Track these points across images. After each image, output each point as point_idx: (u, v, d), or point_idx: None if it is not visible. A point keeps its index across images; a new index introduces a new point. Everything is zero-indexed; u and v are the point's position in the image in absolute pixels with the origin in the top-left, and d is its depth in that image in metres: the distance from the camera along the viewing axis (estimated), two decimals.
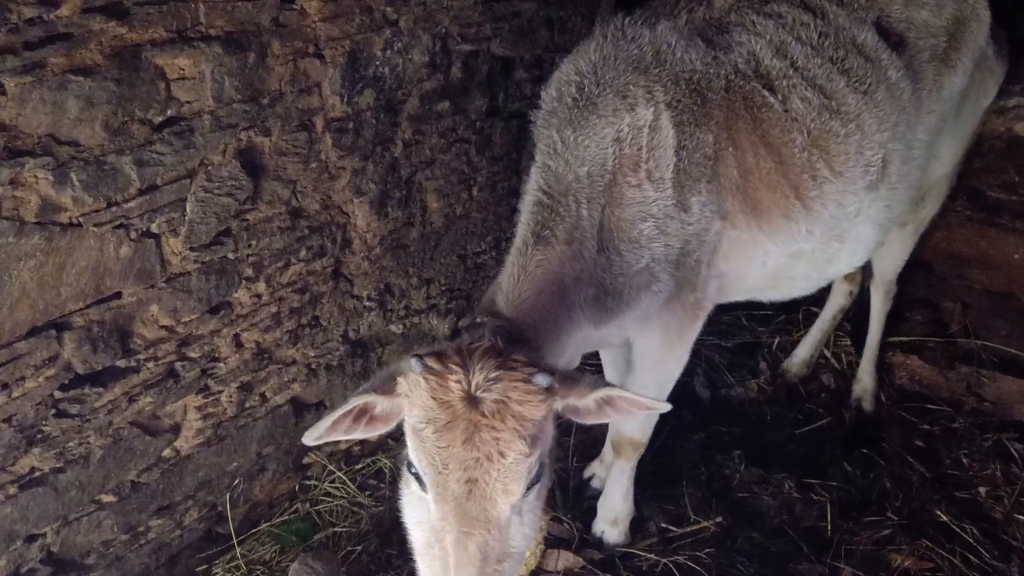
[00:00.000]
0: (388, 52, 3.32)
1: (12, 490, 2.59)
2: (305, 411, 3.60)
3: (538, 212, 2.57)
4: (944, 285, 4.60)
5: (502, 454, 1.93)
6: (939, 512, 3.64)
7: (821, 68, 2.88)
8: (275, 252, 3.17)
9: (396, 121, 3.47)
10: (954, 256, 4.48)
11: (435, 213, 3.85)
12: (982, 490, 3.79)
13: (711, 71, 2.78)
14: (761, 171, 2.80)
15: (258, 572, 3.36)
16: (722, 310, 3.70)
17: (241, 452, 3.37)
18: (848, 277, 4.27)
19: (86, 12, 2.31)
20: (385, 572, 3.38)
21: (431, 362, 1.99)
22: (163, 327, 2.87)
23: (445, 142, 3.75)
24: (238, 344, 3.18)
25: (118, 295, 2.69)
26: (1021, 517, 3.64)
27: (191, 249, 2.85)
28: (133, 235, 2.65)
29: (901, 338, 4.56)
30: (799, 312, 4.86)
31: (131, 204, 2.60)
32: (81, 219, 2.48)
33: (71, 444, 2.71)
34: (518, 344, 2.17)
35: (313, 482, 3.79)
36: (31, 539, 2.71)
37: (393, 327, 3.90)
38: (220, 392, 3.18)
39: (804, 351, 4.56)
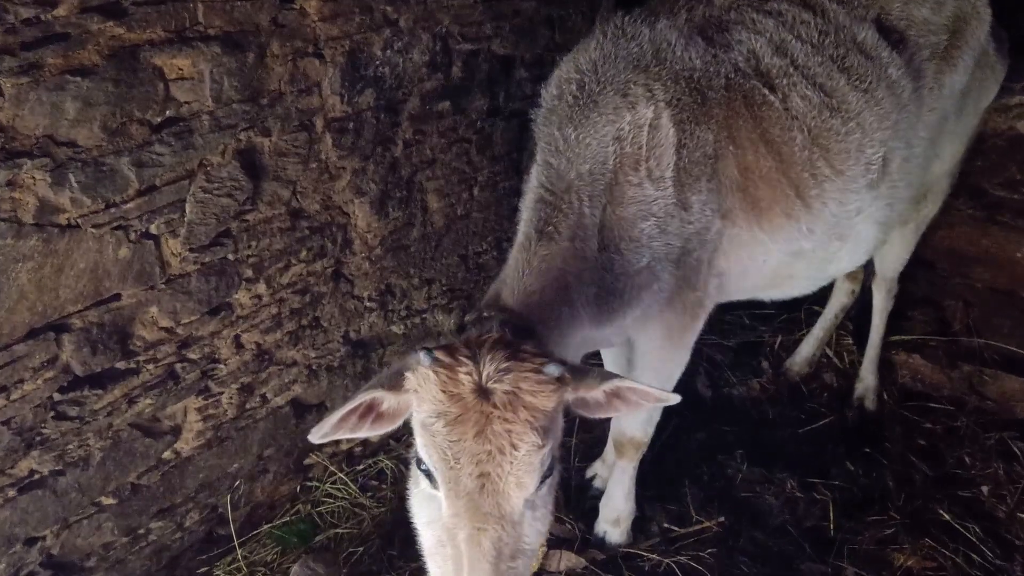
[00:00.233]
0: (388, 52, 3.31)
1: (11, 493, 2.59)
2: (306, 412, 3.59)
3: (541, 209, 2.56)
4: (946, 283, 4.59)
5: (514, 446, 1.90)
6: (942, 511, 3.63)
7: (821, 66, 2.87)
8: (275, 253, 3.16)
9: (396, 121, 3.46)
10: (956, 254, 4.47)
11: (436, 213, 3.84)
12: (984, 489, 3.78)
13: (711, 69, 2.77)
14: (761, 169, 2.79)
15: (259, 574, 3.36)
16: (724, 309, 3.70)
17: (242, 454, 3.36)
18: (850, 276, 4.27)
19: (83, 12, 2.30)
20: (387, 573, 3.38)
21: (440, 355, 1.97)
22: (163, 329, 2.86)
23: (446, 142, 3.74)
24: (238, 345, 3.17)
25: (117, 297, 2.68)
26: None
27: (190, 250, 2.84)
28: (132, 236, 2.64)
29: (903, 337, 4.55)
30: (801, 311, 4.85)
31: (130, 205, 2.59)
32: (79, 220, 2.47)
33: (70, 446, 2.71)
34: (526, 337, 2.16)
35: (314, 483, 3.78)
36: (31, 542, 2.70)
37: (394, 328, 3.89)
38: (220, 394, 3.17)
39: (806, 350, 4.55)
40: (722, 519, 3.60)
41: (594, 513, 3.61)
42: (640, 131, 2.63)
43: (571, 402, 2.11)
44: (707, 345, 4.64)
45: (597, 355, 3.69)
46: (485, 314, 2.33)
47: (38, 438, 2.60)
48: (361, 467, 3.93)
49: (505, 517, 1.92)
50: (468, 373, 1.94)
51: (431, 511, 2.03)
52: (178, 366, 2.97)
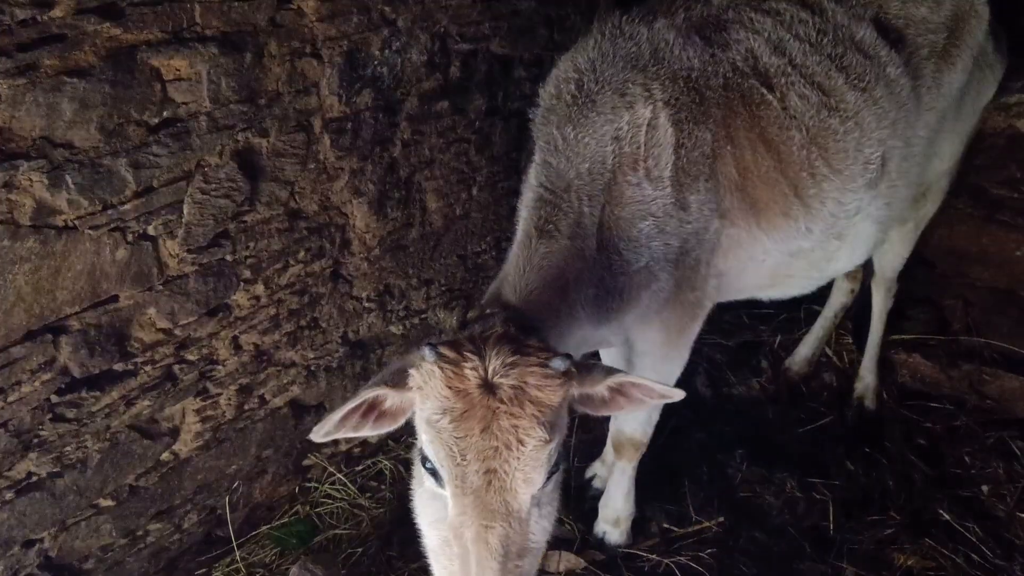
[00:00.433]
0: (386, 52, 3.30)
1: (9, 496, 2.58)
2: (305, 413, 3.58)
3: (540, 207, 2.56)
4: (946, 283, 4.59)
5: (521, 442, 1.88)
6: (942, 511, 3.63)
7: (819, 65, 2.86)
8: (273, 254, 3.15)
9: (395, 121, 3.46)
10: (956, 253, 4.47)
11: (434, 213, 3.83)
12: (984, 488, 3.78)
13: (709, 69, 2.77)
14: (759, 169, 2.79)
15: (258, 575, 3.35)
16: (723, 309, 3.69)
17: (240, 455, 3.36)
18: (849, 275, 4.26)
19: (80, 13, 2.30)
20: (386, 574, 3.37)
21: (445, 350, 1.96)
22: (160, 330, 2.85)
23: (444, 142, 3.74)
24: (236, 346, 3.16)
25: (115, 298, 2.68)
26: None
27: (188, 251, 2.83)
28: (129, 238, 2.63)
29: (903, 336, 4.55)
30: (800, 310, 4.85)
31: (127, 207, 2.59)
32: (76, 222, 2.47)
33: (68, 448, 2.70)
34: (529, 333, 2.15)
35: (313, 484, 3.78)
36: (28, 544, 2.70)
37: (393, 328, 3.89)
38: (219, 395, 3.16)
39: (806, 349, 4.54)
40: (722, 519, 3.60)
41: (593, 514, 3.60)
42: (638, 131, 2.63)
43: (576, 398, 2.09)
44: (707, 345, 4.63)
45: (595, 356, 3.69)
46: (488, 311, 2.32)
47: (36, 440, 2.60)
48: (360, 468, 3.93)
49: (512, 514, 1.90)
50: (474, 368, 1.92)
51: (436, 510, 2.01)
52: (176, 367, 2.96)
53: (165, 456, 3.05)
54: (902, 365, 4.46)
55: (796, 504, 3.73)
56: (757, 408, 4.36)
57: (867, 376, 4.32)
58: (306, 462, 3.74)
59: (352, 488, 3.78)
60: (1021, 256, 4.25)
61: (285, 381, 3.44)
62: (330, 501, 3.73)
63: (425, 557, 2.16)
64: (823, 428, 4.22)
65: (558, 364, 1.95)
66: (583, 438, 4.05)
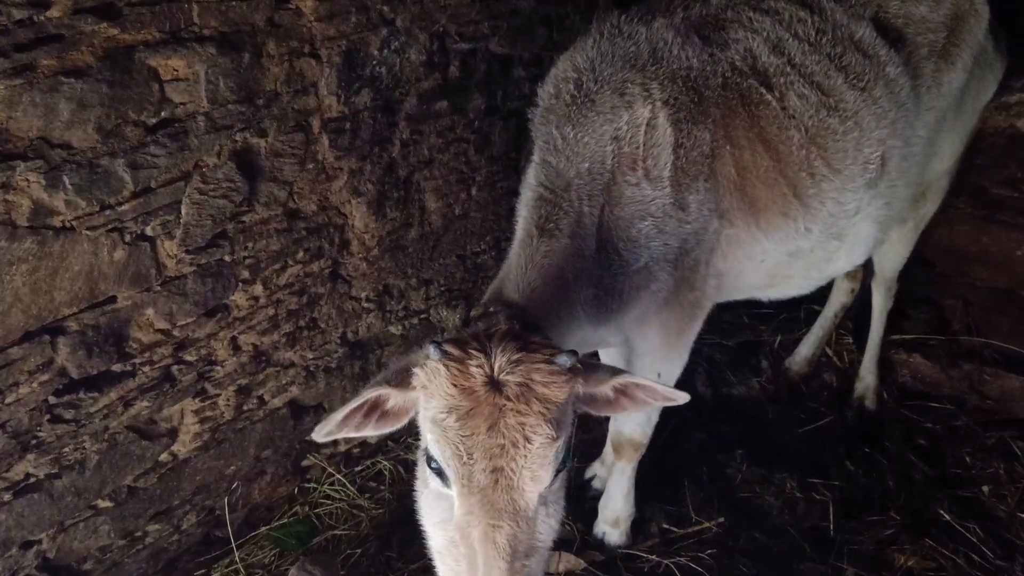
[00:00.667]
0: (385, 51, 3.30)
1: (7, 497, 2.58)
2: (304, 414, 3.58)
3: (540, 207, 2.55)
4: (946, 282, 4.58)
5: (528, 439, 1.87)
6: (942, 511, 3.62)
7: (818, 65, 2.86)
8: (272, 254, 3.15)
9: (394, 121, 3.45)
10: (956, 253, 4.46)
11: (434, 213, 3.83)
12: (985, 489, 3.77)
13: (708, 68, 2.76)
14: (758, 169, 2.78)
15: None
16: (723, 309, 3.68)
17: (239, 455, 3.36)
18: (849, 275, 4.26)
19: (77, 13, 2.30)
20: (385, 575, 3.36)
21: (450, 348, 1.95)
22: (159, 331, 2.85)
23: (443, 141, 3.73)
24: (235, 347, 3.16)
25: (113, 299, 2.67)
26: None
27: (186, 252, 2.83)
28: (127, 238, 2.63)
29: (903, 336, 4.54)
30: (801, 310, 4.84)
31: (125, 207, 2.58)
32: (74, 223, 2.47)
33: (66, 450, 2.70)
34: (532, 330, 2.14)
35: (313, 485, 3.77)
36: (26, 546, 2.69)
37: (392, 328, 3.88)
38: (217, 395, 3.16)
39: (806, 349, 4.54)
40: (721, 520, 3.59)
41: (593, 514, 3.60)
42: (637, 130, 2.62)
43: (580, 396, 2.08)
44: (706, 345, 4.63)
45: (594, 356, 3.68)
46: (491, 308, 2.31)
47: (33, 441, 2.59)
48: (359, 468, 3.92)
49: (520, 513, 1.88)
50: (479, 366, 1.91)
51: (442, 510, 1.99)
52: (174, 368, 2.96)
53: (164, 457, 3.05)
54: (902, 365, 4.45)
55: (796, 504, 3.72)
56: (757, 408, 4.36)
57: (867, 376, 4.32)
58: (305, 463, 3.74)
59: (351, 489, 3.77)
60: (1022, 256, 4.24)
61: (284, 382, 3.43)
62: (329, 502, 3.72)
63: (427, 558, 2.14)
64: (823, 428, 4.21)
65: (564, 360, 1.94)
66: (582, 438, 4.05)
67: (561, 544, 3.47)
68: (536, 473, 1.89)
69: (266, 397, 3.38)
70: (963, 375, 4.28)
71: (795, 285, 3.23)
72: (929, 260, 4.52)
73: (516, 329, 2.06)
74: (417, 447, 2.17)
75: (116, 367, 2.75)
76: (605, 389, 2.09)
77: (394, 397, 2.04)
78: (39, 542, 2.73)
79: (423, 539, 2.14)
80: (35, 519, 2.68)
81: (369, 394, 2.00)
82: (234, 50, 2.75)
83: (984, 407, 4.20)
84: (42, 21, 2.23)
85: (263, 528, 3.55)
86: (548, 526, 2.00)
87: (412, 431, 4.14)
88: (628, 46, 2.73)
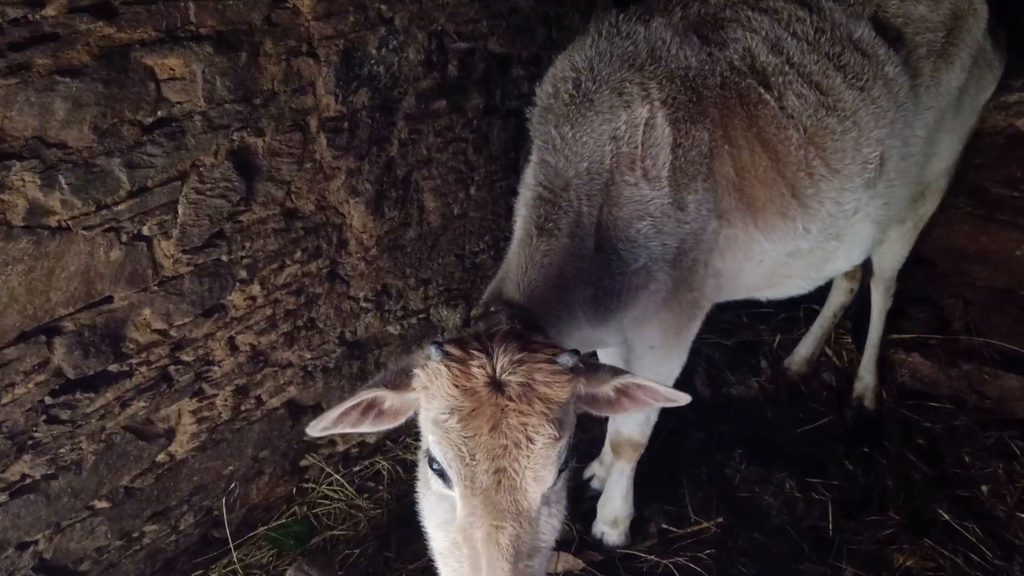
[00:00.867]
0: (383, 50, 3.29)
1: (3, 498, 2.57)
2: (302, 414, 3.57)
3: (540, 206, 2.54)
4: (946, 282, 4.57)
5: (531, 440, 1.86)
6: (941, 511, 3.62)
7: (817, 64, 2.85)
8: (269, 254, 3.14)
9: (392, 120, 3.44)
10: (955, 253, 4.46)
11: (432, 213, 3.82)
12: (984, 488, 3.77)
13: (706, 68, 2.76)
14: (757, 169, 2.77)
15: None
16: (722, 308, 3.68)
17: (237, 456, 3.35)
18: (848, 274, 4.25)
19: (72, 12, 2.29)
20: (383, 575, 3.35)
21: (451, 349, 1.94)
22: (156, 331, 2.84)
23: (442, 141, 3.72)
24: (233, 347, 3.15)
25: (109, 299, 2.66)
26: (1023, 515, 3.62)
27: (183, 252, 2.82)
28: (124, 238, 2.62)
29: (902, 335, 4.54)
30: (800, 310, 4.84)
31: (121, 207, 2.58)
32: (70, 222, 2.46)
33: (63, 450, 2.69)
34: (534, 329, 2.13)
35: (311, 485, 3.77)
36: (23, 546, 2.69)
37: (390, 328, 3.87)
38: (215, 396, 3.15)
39: (805, 349, 4.53)
40: (720, 520, 3.59)
41: (592, 514, 3.59)
42: (636, 130, 2.61)
43: (582, 396, 2.07)
44: (706, 344, 4.62)
45: (593, 356, 3.67)
46: (492, 308, 2.30)
47: (30, 442, 2.58)
48: (358, 468, 3.92)
49: (523, 513, 1.87)
50: (481, 366, 1.90)
51: (444, 512, 1.98)
52: (172, 368, 2.95)
53: (161, 457, 3.04)
54: (901, 365, 4.45)
55: (795, 504, 3.71)
56: (756, 408, 4.35)
57: (866, 376, 4.31)
58: (303, 463, 3.73)
59: (350, 489, 3.77)
60: (1021, 255, 4.24)
61: (282, 382, 3.42)
62: (327, 502, 3.72)
63: (425, 558, 2.14)
64: (822, 428, 4.21)
65: (566, 360, 1.93)
66: (581, 438, 4.04)
67: (559, 544, 3.45)
68: (539, 473, 1.88)
69: (264, 397, 3.37)
70: (962, 375, 4.28)
71: (794, 285, 3.23)
72: (928, 260, 4.52)
73: (518, 329, 2.05)
74: (417, 447, 2.16)
75: (113, 367, 2.74)
76: (606, 389, 2.08)
77: (390, 399, 2.04)
78: (35, 543, 2.72)
79: (422, 539, 2.13)
80: (31, 520, 2.67)
81: (364, 395, 2.00)
82: (231, 49, 2.74)
83: (983, 407, 4.20)
84: (37, 20, 2.23)
85: (261, 528, 3.54)
86: (551, 526, 1.99)
87: (411, 431, 4.13)
88: (626, 45, 2.72)
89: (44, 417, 2.59)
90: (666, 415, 3.54)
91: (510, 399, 1.87)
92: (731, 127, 2.74)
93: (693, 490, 3.75)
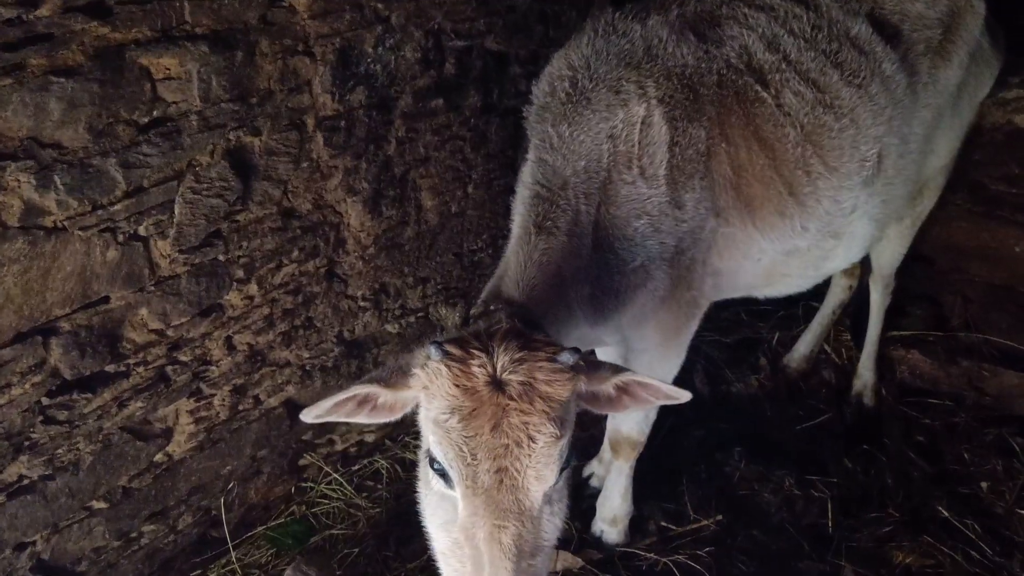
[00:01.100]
0: (380, 49, 3.28)
1: (0, 499, 2.57)
2: (300, 413, 3.55)
3: (537, 205, 2.54)
4: (944, 279, 4.57)
5: (532, 439, 1.86)
6: (941, 508, 3.61)
7: (814, 62, 2.84)
8: (267, 253, 3.13)
9: (389, 119, 3.43)
10: (954, 249, 4.45)
11: (430, 211, 3.81)
12: (983, 485, 3.77)
13: (703, 66, 2.75)
14: (754, 167, 2.77)
15: None
16: (721, 306, 3.68)
17: (235, 455, 3.34)
18: (847, 272, 4.25)
19: (67, 12, 2.28)
20: (382, 574, 3.35)
21: (451, 348, 1.93)
22: (153, 331, 2.83)
23: (439, 139, 3.71)
24: (230, 347, 3.15)
25: (106, 299, 2.66)
26: (1023, 512, 3.61)
27: (180, 251, 2.82)
28: (120, 238, 2.62)
29: (902, 332, 4.53)
30: (799, 307, 4.82)
31: (117, 207, 2.57)
32: (66, 223, 2.45)
33: (60, 451, 2.69)
34: (534, 328, 2.13)
35: (309, 484, 3.76)
36: (20, 547, 2.69)
37: (389, 327, 3.87)
38: (212, 395, 3.15)
39: (804, 346, 4.53)
40: (720, 517, 3.59)
41: (591, 512, 3.59)
42: (633, 129, 2.61)
43: (583, 394, 2.07)
44: (705, 342, 4.62)
45: (591, 354, 3.67)
46: (491, 307, 2.30)
47: (27, 443, 2.58)
48: (356, 467, 3.91)
49: (525, 513, 1.87)
50: (481, 365, 1.90)
51: (446, 512, 1.98)
52: (169, 368, 2.94)
53: (159, 457, 3.04)
54: (901, 362, 4.44)
55: (795, 502, 3.71)
56: (755, 405, 4.35)
57: (865, 373, 4.31)
58: (302, 462, 3.73)
59: (348, 488, 3.76)
60: (1020, 252, 4.23)
61: (280, 381, 3.42)
62: (326, 501, 3.71)
63: (424, 557, 2.14)
64: (822, 425, 4.20)
65: (566, 358, 1.93)
66: (580, 436, 4.03)
67: (559, 542, 3.46)
68: (541, 472, 1.88)
69: (262, 397, 3.36)
70: (961, 372, 4.27)
71: (792, 283, 3.22)
72: (927, 257, 4.51)
73: (518, 327, 2.05)
74: (415, 446, 2.16)
75: (110, 368, 2.74)
76: (607, 387, 2.09)
77: (384, 396, 2.04)
78: (33, 544, 2.72)
79: (421, 538, 2.14)
80: (29, 520, 2.67)
81: (359, 390, 2.01)
82: (227, 48, 2.73)
83: (982, 403, 4.19)
84: (31, 20, 2.22)
85: (260, 528, 3.54)
86: (553, 524, 1.99)
87: (410, 430, 4.13)
88: (623, 43, 2.72)
89: (41, 418, 2.59)
90: (665, 413, 3.54)
91: (511, 398, 1.87)
92: (728, 125, 2.73)
93: (692, 488, 3.74)
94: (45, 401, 2.58)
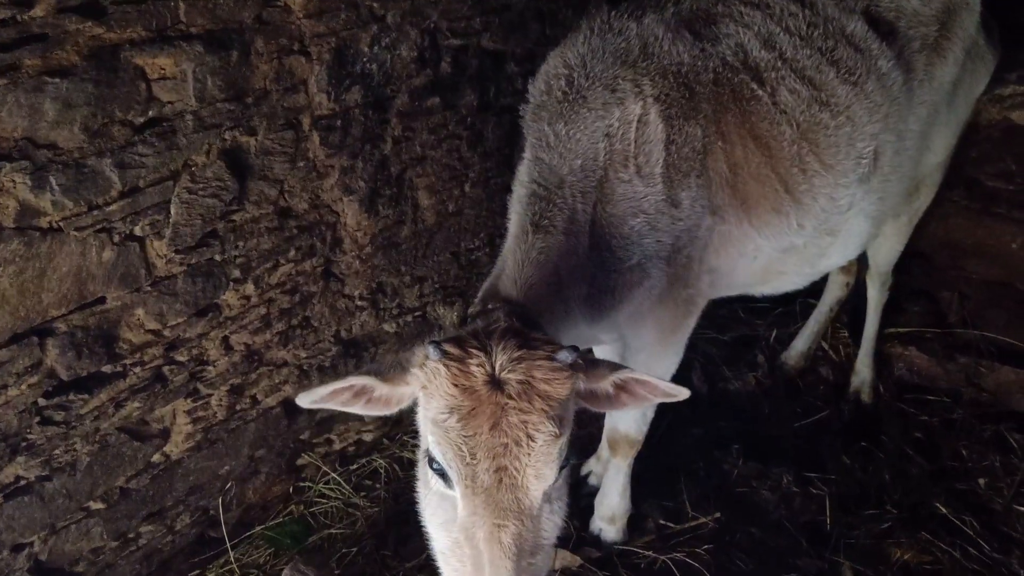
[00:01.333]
0: (375, 48, 3.27)
1: None
2: (298, 413, 3.57)
3: (535, 203, 2.54)
4: (942, 275, 4.57)
5: (531, 437, 1.86)
6: (939, 505, 3.62)
7: (810, 59, 2.84)
8: (263, 253, 3.13)
9: (385, 118, 3.43)
10: (951, 246, 4.46)
11: (427, 210, 3.81)
12: (981, 482, 3.77)
13: (699, 64, 2.75)
14: (750, 165, 2.77)
15: (252, 575, 3.33)
16: (718, 303, 3.67)
17: (233, 455, 3.34)
18: (844, 269, 4.25)
19: (61, 12, 2.28)
20: (381, 574, 3.35)
21: (449, 348, 1.93)
22: (149, 331, 2.83)
23: (436, 138, 3.71)
24: (227, 347, 3.14)
25: (102, 300, 2.66)
26: (1021, 508, 3.62)
27: (176, 252, 2.81)
28: (116, 239, 2.61)
29: (899, 329, 4.54)
30: (796, 304, 4.83)
31: (113, 207, 2.57)
32: (61, 223, 2.45)
33: (57, 452, 2.68)
34: (532, 327, 2.13)
35: (307, 483, 3.76)
36: (18, 548, 2.68)
37: (386, 326, 3.86)
38: (210, 395, 3.14)
39: (802, 344, 4.53)
40: (718, 515, 3.59)
41: (589, 511, 3.59)
42: (629, 127, 2.61)
43: (581, 392, 2.07)
44: (702, 339, 4.62)
45: (589, 353, 3.67)
46: (489, 306, 2.30)
47: (24, 444, 2.58)
48: (354, 467, 3.91)
49: (524, 512, 1.87)
50: (480, 364, 1.90)
51: (445, 512, 1.98)
52: (166, 369, 2.94)
53: (156, 458, 3.04)
54: (898, 358, 4.45)
55: (793, 499, 3.71)
56: (753, 403, 4.35)
57: (863, 370, 4.31)
58: (300, 461, 3.73)
59: (347, 487, 3.76)
60: (1017, 248, 4.23)
61: (277, 381, 3.42)
62: (324, 500, 3.71)
63: (423, 556, 2.14)
64: (819, 422, 4.20)
65: (565, 356, 1.93)
66: (578, 435, 4.03)
67: (557, 541, 3.46)
68: (540, 471, 1.88)
69: (259, 396, 3.36)
70: (959, 368, 4.28)
71: (789, 281, 3.22)
72: (924, 253, 4.52)
73: (516, 326, 2.05)
74: (414, 445, 2.16)
75: (106, 368, 2.74)
76: (605, 385, 2.09)
77: (380, 389, 2.04)
78: (30, 545, 2.72)
79: (419, 537, 2.14)
80: (26, 522, 2.66)
81: (355, 380, 2.01)
82: (222, 48, 2.73)
83: (980, 400, 4.20)
84: (25, 20, 2.21)
85: (258, 528, 3.54)
86: (553, 523, 1.99)
87: (408, 429, 4.13)
88: (619, 42, 2.71)
89: (38, 419, 2.58)
90: (663, 411, 3.54)
91: (510, 397, 1.87)
92: (724, 123, 2.73)
93: (690, 486, 3.74)
94: (42, 402, 2.57)
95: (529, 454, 1.86)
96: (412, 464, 2.22)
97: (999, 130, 4.12)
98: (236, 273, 3.05)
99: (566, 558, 3.39)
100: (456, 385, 1.89)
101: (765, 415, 4.27)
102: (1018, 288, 4.29)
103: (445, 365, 1.91)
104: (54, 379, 2.60)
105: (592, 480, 3.82)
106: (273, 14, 2.86)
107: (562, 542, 3.45)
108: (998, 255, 4.31)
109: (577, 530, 3.55)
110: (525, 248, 2.45)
